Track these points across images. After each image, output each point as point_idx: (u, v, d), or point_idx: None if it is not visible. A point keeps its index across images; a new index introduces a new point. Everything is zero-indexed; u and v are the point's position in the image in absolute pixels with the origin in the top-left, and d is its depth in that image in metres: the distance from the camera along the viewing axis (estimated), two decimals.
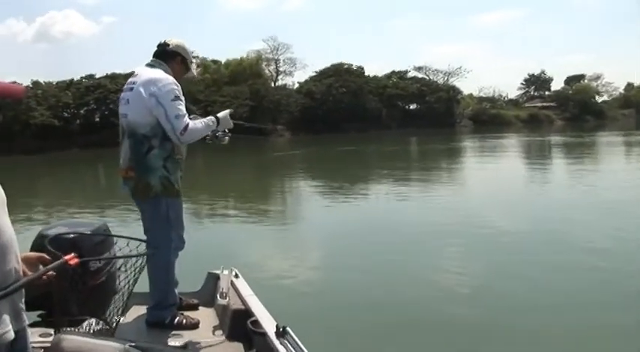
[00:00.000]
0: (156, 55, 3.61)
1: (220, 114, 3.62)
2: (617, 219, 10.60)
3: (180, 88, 3.47)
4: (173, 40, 3.65)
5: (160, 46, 3.62)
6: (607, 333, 5.38)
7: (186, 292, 3.90)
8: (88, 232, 3.45)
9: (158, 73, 3.45)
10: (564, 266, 7.73)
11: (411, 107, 66.78)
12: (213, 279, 3.94)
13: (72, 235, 3.32)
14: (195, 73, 3.89)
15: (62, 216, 12.57)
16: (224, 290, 3.62)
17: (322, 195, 17.06)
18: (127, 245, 3.34)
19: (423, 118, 60.76)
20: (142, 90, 3.38)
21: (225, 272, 3.73)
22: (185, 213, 3.69)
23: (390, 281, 7.41)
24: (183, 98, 3.45)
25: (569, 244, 8.99)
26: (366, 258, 8.71)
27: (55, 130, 35.58)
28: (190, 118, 3.45)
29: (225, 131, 3.71)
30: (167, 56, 3.60)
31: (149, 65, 3.55)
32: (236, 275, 3.83)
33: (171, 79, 3.43)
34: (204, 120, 3.51)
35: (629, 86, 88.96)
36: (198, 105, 44.31)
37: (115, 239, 3.54)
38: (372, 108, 58.99)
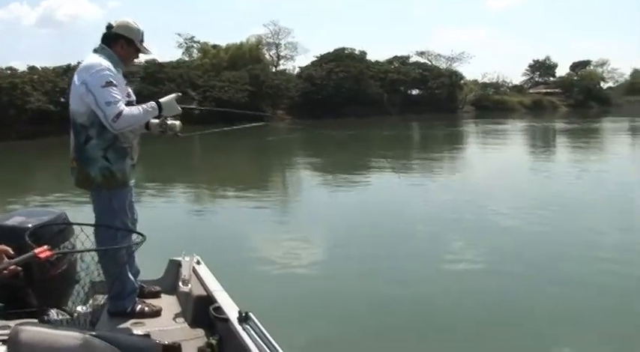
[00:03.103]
0: (102, 39, 3.43)
1: (163, 99, 3.39)
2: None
3: (115, 73, 3.28)
4: (118, 21, 3.43)
5: (106, 28, 3.41)
6: None
7: (148, 280, 3.88)
8: (47, 221, 3.45)
9: (94, 59, 3.29)
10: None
11: (413, 92, 66.14)
12: (174, 266, 3.90)
13: (30, 225, 3.32)
14: (149, 51, 3.55)
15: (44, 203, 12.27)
16: (186, 277, 3.61)
17: (302, 179, 16.89)
18: (87, 237, 3.33)
19: (425, 104, 60.21)
20: (75, 78, 3.28)
21: (187, 258, 3.71)
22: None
23: (359, 269, 7.32)
24: (118, 84, 3.26)
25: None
26: (338, 245, 8.65)
27: (52, 115, 35.26)
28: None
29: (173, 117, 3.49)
30: (111, 40, 3.40)
31: (94, 50, 3.39)
32: (198, 262, 3.81)
33: (104, 64, 3.25)
34: (143, 105, 3.31)
35: (636, 72, 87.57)
36: (198, 90, 44.13)
37: (73, 228, 3.54)
38: (373, 94, 58.50)
